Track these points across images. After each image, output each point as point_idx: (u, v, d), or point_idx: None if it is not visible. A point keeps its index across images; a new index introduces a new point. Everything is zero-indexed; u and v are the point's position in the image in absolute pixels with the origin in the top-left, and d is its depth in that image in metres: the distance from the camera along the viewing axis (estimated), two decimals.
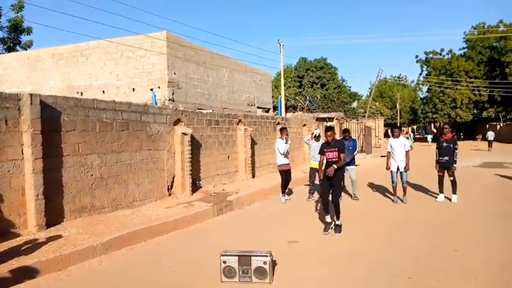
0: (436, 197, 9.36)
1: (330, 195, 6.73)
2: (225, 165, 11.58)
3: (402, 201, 9.08)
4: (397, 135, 9.22)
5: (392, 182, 9.22)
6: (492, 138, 31.03)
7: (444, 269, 4.84)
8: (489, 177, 13.71)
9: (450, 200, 8.97)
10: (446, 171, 9.06)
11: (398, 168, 9.03)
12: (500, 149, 29.69)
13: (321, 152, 6.89)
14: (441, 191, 9.24)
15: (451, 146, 8.90)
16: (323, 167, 6.76)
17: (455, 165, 9.02)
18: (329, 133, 6.75)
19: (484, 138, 36.66)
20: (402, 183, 9.08)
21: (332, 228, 6.62)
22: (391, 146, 9.16)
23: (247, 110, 21.89)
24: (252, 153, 12.60)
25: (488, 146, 30.05)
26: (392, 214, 8.13)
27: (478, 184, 12.00)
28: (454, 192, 8.99)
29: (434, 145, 9.27)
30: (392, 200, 9.26)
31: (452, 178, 8.96)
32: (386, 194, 10.28)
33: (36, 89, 16.76)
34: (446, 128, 9.19)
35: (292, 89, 48.50)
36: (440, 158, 9.07)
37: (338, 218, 6.61)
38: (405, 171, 8.99)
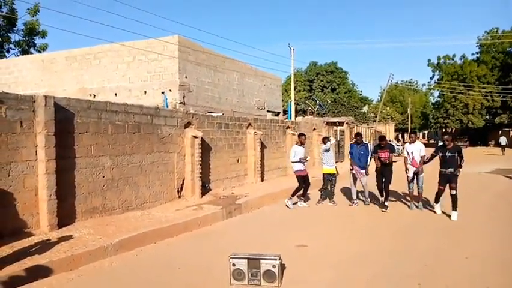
0: (434, 210, 8.62)
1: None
2: (235, 168, 11.62)
3: (417, 207, 8.94)
4: (413, 141, 9.12)
5: (409, 187, 9.13)
6: (505, 143, 32.62)
7: (453, 275, 4.80)
8: (501, 183, 13.51)
9: (449, 216, 7.91)
10: (448, 184, 8.11)
11: (414, 174, 8.89)
12: None
13: (375, 151, 9.19)
14: (436, 202, 8.57)
15: (455, 155, 8.21)
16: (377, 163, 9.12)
17: (460, 169, 8.18)
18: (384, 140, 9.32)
19: (497, 144, 36.97)
20: (419, 188, 8.93)
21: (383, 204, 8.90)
22: (407, 152, 9.06)
23: (257, 114, 21.92)
24: (261, 157, 12.63)
25: (502, 151, 31.45)
26: (401, 219, 8.09)
27: (488, 190, 11.84)
28: (454, 208, 7.91)
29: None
30: (408, 206, 9.15)
31: (454, 192, 7.94)
32: (399, 199, 10.17)
33: (50, 91, 17.00)
34: (448, 141, 8.32)
35: (303, 93, 48.42)
36: (443, 170, 8.18)
37: (386, 200, 8.97)
38: (421, 174, 8.84)
